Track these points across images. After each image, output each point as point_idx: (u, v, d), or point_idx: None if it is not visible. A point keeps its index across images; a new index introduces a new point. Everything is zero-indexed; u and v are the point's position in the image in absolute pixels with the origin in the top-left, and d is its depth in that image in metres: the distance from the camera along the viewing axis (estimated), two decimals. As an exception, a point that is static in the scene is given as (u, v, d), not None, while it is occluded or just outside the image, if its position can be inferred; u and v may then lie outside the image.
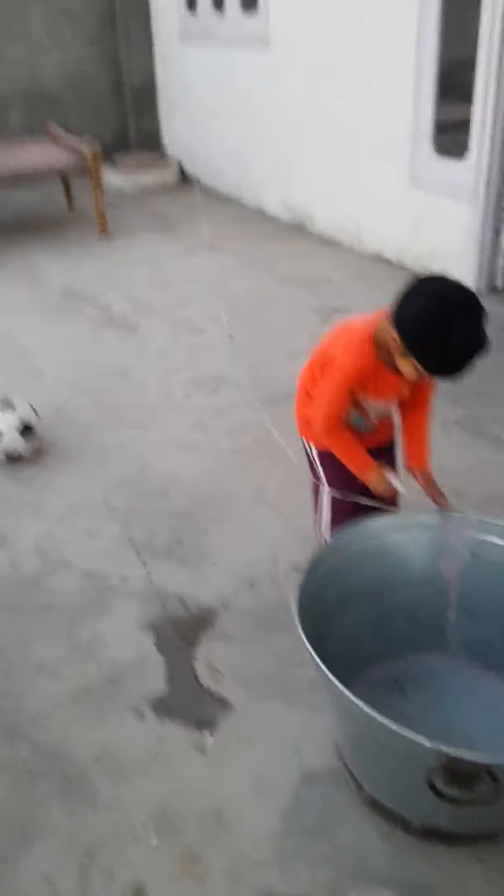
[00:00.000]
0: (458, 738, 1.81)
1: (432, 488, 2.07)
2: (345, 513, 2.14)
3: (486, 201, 4.29)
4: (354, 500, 2.08)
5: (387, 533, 1.97)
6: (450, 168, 4.43)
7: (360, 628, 1.97)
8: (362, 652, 1.99)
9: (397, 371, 1.87)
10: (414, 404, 2.10)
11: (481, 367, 3.90)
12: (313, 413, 2.04)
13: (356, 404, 2.02)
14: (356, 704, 1.47)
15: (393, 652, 2.05)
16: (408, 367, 1.82)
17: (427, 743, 1.39)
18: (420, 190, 4.64)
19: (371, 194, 5.04)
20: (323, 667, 1.53)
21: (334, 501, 2.18)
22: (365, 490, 2.07)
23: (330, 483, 2.17)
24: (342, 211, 5.37)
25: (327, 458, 2.14)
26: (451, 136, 4.58)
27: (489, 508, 2.59)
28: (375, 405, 2.03)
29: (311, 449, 2.20)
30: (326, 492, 2.19)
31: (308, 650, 1.57)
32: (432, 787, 1.45)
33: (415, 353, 1.75)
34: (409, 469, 2.11)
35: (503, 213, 4.35)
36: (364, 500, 2.06)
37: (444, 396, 3.46)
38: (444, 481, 2.83)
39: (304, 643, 1.59)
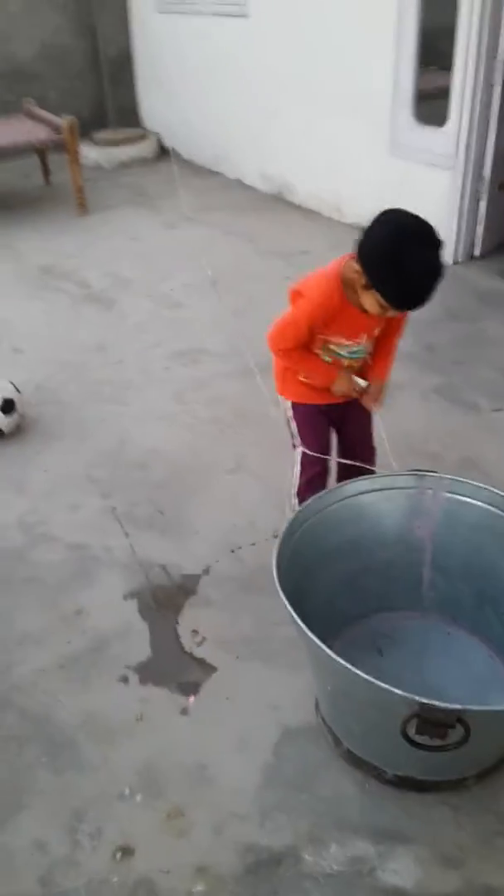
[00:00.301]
0: (431, 690, 1.86)
1: (377, 395, 2.16)
2: (316, 472, 2.23)
3: (466, 169, 4.30)
4: (326, 458, 2.16)
5: (362, 494, 2.01)
6: (430, 136, 4.43)
7: (336, 588, 2.02)
8: (339, 611, 2.05)
9: (364, 310, 1.94)
10: (382, 339, 2.16)
11: (459, 336, 3.94)
12: (270, 335, 2.07)
13: (327, 348, 2.07)
14: (335, 661, 1.52)
15: (368, 611, 2.11)
16: (370, 300, 1.88)
17: (401, 693, 1.45)
18: (400, 158, 4.64)
19: (350, 164, 5.03)
20: (302, 625, 1.57)
21: (306, 461, 2.24)
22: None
23: (303, 440, 2.23)
24: (321, 181, 5.36)
25: (301, 413, 2.20)
26: (431, 105, 4.57)
27: (466, 472, 2.63)
28: (347, 346, 2.07)
29: (285, 403, 2.25)
30: (299, 451, 2.25)
31: (287, 609, 1.62)
32: (406, 736, 1.50)
33: (374, 282, 1.81)
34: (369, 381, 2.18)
35: (482, 181, 4.36)
36: (336, 459, 2.11)
37: (423, 365, 3.53)
38: (423, 447, 2.90)
39: (283, 603, 1.63)
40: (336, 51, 4.88)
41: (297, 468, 2.28)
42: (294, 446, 2.28)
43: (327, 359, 2.10)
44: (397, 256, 1.74)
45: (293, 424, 2.25)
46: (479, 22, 3.92)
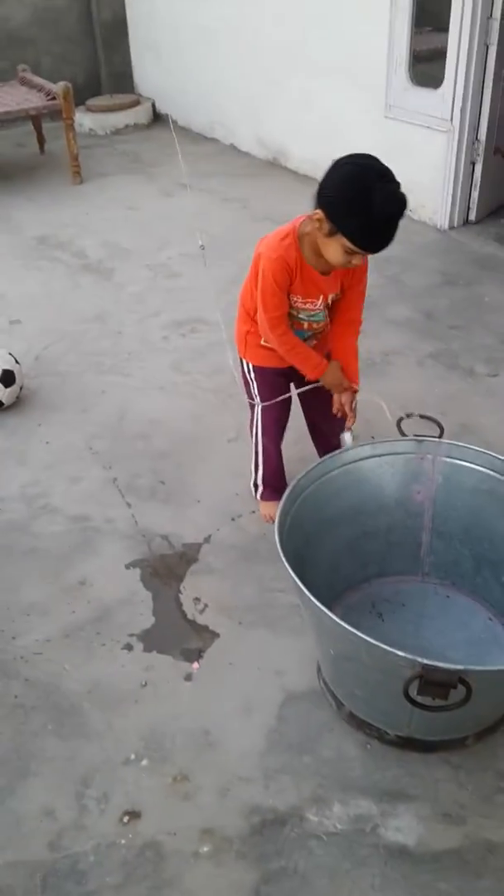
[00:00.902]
0: (431, 653, 1.89)
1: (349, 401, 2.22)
2: (274, 419, 2.32)
3: (461, 132, 4.23)
4: (283, 398, 2.27)
5: (362, 460, 2.02)
6: (425, 98, 4.36)
7: (337, 554, 2.04)
8: (340, 576, 2.07)
9: (323, 273, 1.98)
10: (343, 321, 2.17)
11: (456, 302, 3.91)
12: (259, 320, 2.10)
13: (288, 314, 2.08)
14: (338, 624, 1.54)
15: (369, 576, 2.13)
16: (334, 248, 1.87)
17: (405, 655, 1.47)
18: (395, 121, 4.57)
19: (346, 127, 4.95)
20: (305, 590, 1.59)
21: (266, 413, 2.31)
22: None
23: (262, 398, 2.29)
24: (316, 145, 5.28)
25: (259, 373, 2.25)
26: (427, 67, 4.49)
27: (464, 437, 2.64)
28: (305, 309, 2.08)
29: (246, 366, 2.28)
30: (259, 407, 2.31)
31: (290, 575, 1.63)
32: (408, 697, 1.53)
33: (340, 223, 1.81)
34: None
35: (478, 144, 4.30)
36: (294, 392, 2.25)
37: (420, 331, 3.51)
38: (421, 412, 2.89)
39: (286, 569, 1.64)
40: (331, 13, 4.78)
41: (260, 423, 2.35)
42: (252, 406, 2.34)
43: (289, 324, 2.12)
44: (365, 193, 1.74)
45: (254, 385, 2.30)
46: (475, -21, 3.84)
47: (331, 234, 1.85)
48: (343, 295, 2.12)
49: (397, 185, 1.77)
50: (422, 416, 2.04)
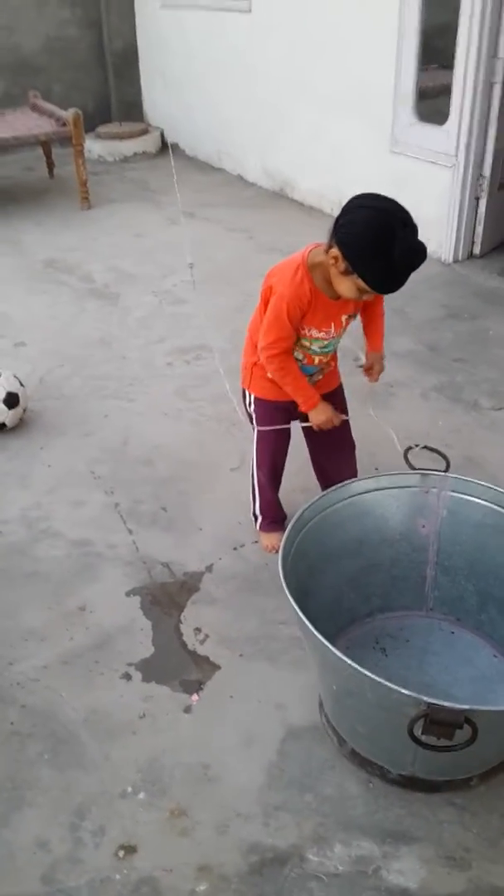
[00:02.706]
0: (435, 690, 1.89)
1: (377, 366, 2.21)
2: (269, 453, 2.33)
3: (466, 168, 4.28)
4: (282, 427, 2.26)
5: (367, 492, 2.01)
6: (430, 134, 4.42)
7: (340, 587, 2.02)
8: (343, 610, 2.05)
9: (335, 297, 1.98)
10: (366, 314, 2.18)
11: (460, 335, 3.94)
12: (259, 344, 2.09)
13: (300, 344, 2.08)
14: (341, 660, 1.52)
15: (372, 610, 2.11)
16: (347, 285, 1.88)
17: (409, 693, 1.44)
18: (400, 156, 4.62)
19: (352, 160, 5.01)
20: (309, 625, 1.57)
21: (261, 447, 2.32)
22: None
23: (259, 433, 2.31)
24: (323, 177, 5.34)
25: (260, 405, 2.25)
26: (431, 103, 4.56)
27: (468, 471, 2.63)
28: (318, 340, 2.08)
29: (249, 397, 2.28)
30: (255, 440, 2.32)
31: (294, 609, 1.61)
32: (413, 736, 1.50)
33: (359, 266, 1.81)
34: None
35: (482, 179, 4.35)
36: (296, 426, 2.24)
37: (424, 364, 3.52)
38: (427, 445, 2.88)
39: (288, 601, 1.62)
40: (338, 47, 4.86)
41: (255, 459, 2.37)
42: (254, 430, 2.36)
43: (298, 356, 2.11)
44: (387, 241, 1.74)
45: (254, 417, 2.30)
46: (479, 20, 3.90)
47: (346, 272, 1.85)
48: (363, 310, 2.14)
49: (416, 231, 1.77)
50: (428, 449, 2.03)
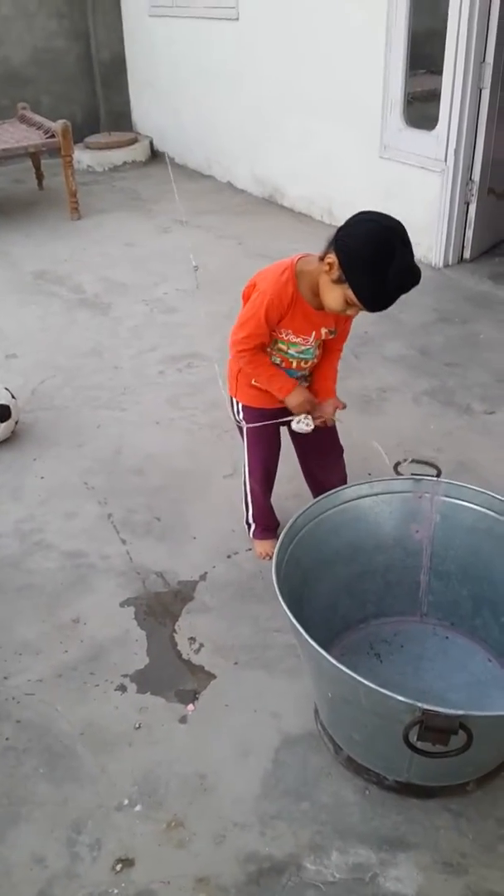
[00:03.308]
0: (431, 695, 1.89)
1: (329, 410, 2.20)
2: (260, 461, 2.33)
3: (455, 173, 4.30)
4: (271, 424, 2.23)
5: (360, 498, 2.01)
6: (420, 140, 4.43)
7: (334, 593, 2.02)
8: (337, 616, 2.04)
9: (317, 308, 1.99)
10: (324, 355, 2.19)
11: (451, 339, 3.95)
12: (231, 339, 2.09)
13: (276, 347, 2.09)
14: (336, 668, 1.51)
15: (366, 616, 2.11)
16: (335, 296, 1.89)
17: (404, 700, 1.44)
18: (390, 162, 4.64)
19: (341, 167, 5.03)
20: (304, 633, 1.56)
21: (252, 455, 2.32)
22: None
23: (250, 444, 2.31)
24: (312, 184, 5.36)
25: (248, 413, 2.25)
26: (420, 108, 4.58)
27: (460, 475, 2.63)
28: (295, 344, 2.08)
29: (236, 405, 2.28)
30: (246, 448, 2.32)
31: (288, 616, 1.61)
32: (408, 743, 1.50)
33: (353, 275, 1.82)
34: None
35: (472, 184, 4.37)
36: (277, 421, 2.21)
37: (416, 368, 3.53)
38: (417, 450, 2.89)
39: (283, 609, 1.62)
40: (326, 54, 4.88)
41: (246, 467, 2.36)
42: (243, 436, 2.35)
43: (276, 359, 2.11)
44: (385, 256, 1.75)
45: (244, 426, 2.29)
46: (467, 26, 3.92)
47: (338, 281, 1.85)
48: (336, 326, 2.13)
49: (413, 255, 1.79)
50: (417, 462, 2.03)
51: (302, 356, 2.12)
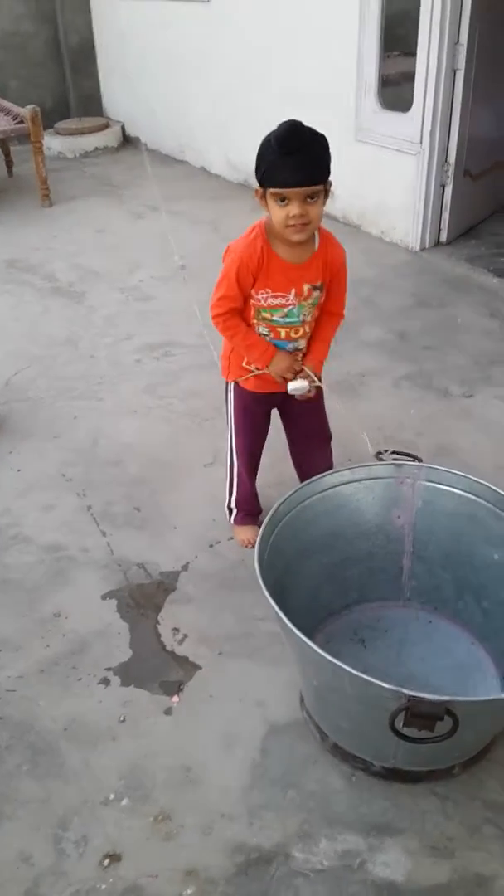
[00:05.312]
0: (416, 680, 1.89)
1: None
2: (246, 445, 2.31)
3: (431, 155, 4.28)
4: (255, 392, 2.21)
5: (341, 485, 1.99)
6: (395, 122, 4.40)
7: (317, 581, 2.01)
8: (320, 604, 2.04)
9: (296, 262, 1.98)
10: (322, 314, 2.15)
11: (429, 323, 3.93)
12: (211, 304, 2.07)
13: (261, 317, 2.05)
14: (321, 655, 1.50)
15: (350, 602, 2.10)
16: (272, 209, 1.88)
17: (390, 687, 1.43)
18: (365, 144, 4.61)
19: (315, 150, 4.98)
20: (288, 622, 1.55)
21: (239, 439, 2.30)
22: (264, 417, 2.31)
23: (236, 426, 2.30)
24: (287, 168, 5.31)
25: (239, 397, 2.23)
26: (395, 90, 4.54)
27: (441, 459, 2.63)
28: (278, 309, 2.04)
29: (226, 386, 2.26)
30: (233, 431, 2.30)
31: (272, 606, 1.59)
32: (395, 729, 1.49)
33: (260, 177, 1.85)
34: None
35: (447, 166, 4.35)
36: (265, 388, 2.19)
37: (394, 352, 3.52)
38: (397, 435, 2.89)
39: (266, 598, 1.61)
40: (299, 36, 4.83)
41: (233, 451, 2.34)
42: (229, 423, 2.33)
43: (264, 330, 2.07)
44: (267, 138, 1.83)
45: (230, 406, 2.27)
46: (440, 7, 3.89)
47: (264, 196, 1.88)
48: (326, 292, 2.09)
49: (295, 124, 1.81)
50: (398, 453, 2.01)
51: (288, 321, 2.06)
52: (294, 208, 1.84)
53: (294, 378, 2.09)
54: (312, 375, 2.10)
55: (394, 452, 2.00)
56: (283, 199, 1.84)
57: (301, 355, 2.14)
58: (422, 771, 1.75)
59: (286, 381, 2.09)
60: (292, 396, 2.13)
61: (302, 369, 2.10)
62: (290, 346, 2.11)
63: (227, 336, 2.10)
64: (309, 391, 2.10)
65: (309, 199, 1.84)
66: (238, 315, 2.06)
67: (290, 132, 1.78)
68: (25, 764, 1.82)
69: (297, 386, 2.08)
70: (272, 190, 1.84)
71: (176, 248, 4.40)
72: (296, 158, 1.80)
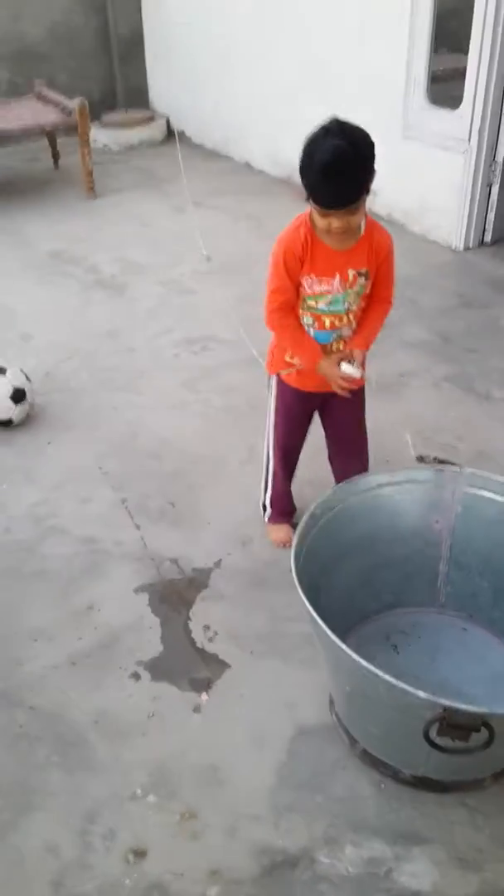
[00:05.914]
0: (449, 689, 1.85)
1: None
2: (284, 443, 2.32)
3: (479, 153, 4.21)
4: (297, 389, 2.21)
5: (380, 487, 1.97)
6: (443, 119, 4.34)
7: (352, 583, 1.99)
8: (354, 606, 2.02)
9: (341, 248, 1.97)
10: (370, 301, 2.13)
11: (472, 324, 3.86)
12: (265, 301, 2.08)
13: (306, 305, 2.04)
14: (354, 660, 1.49)
15: (384, 607, 2.08)
16: (314, 215, 1.90)
17: (426, 696, 1.41)
18: (413, 141, 4.54)
19: (361, 146, 4.94)
20: (321, 623, 1.54)
21: (278, 437, 2.31)
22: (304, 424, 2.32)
23: (276, 423, 2.30)
24: (332, 164, 5.27)
25: (282, 392, 2.24)
26: (443, 87, 4.47)
27: (481, 464, 2.58)
28: (323, 296, 2.02)
29: (269, 380, 2.27)
30: (272, 428, 2.31)
31: (307, 607, 1.58)
32: (429, 739, 1.47)
33: (303, 184, 1.85)
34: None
35: (495, 165, 4.28)
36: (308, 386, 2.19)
37: (436, 353, 3.47)
38: (436, 437, 2.85)
39: (300, 599, 1.59)
40: (349, 31, 4.77)
41: (271, 449, 2.35)
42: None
43: (308, 320, 2.06)
44: (310, 149, 1.81)
45: (272, 403, 2.27)
46: (496, 4, 3.82)
47: (307, 200, 1.88)
48: (373, 279, 2.07)
49: (340, 137, 1.79)
50: (439, 461, 1.99)
51: (332, 310, 2.04)
52: (335, 221, 1.87)
53: (349, 362, 2.07)
54: (359, 363, 2.09)
55: (435, 459, 1.97)
56: (324, 213, 1.86)
57: (344, 343, 2.12)
58: (452, 781, 1.72)
59: (340, 361, 2.07)
60: (334, 397, 2.12)
61: (351, 353, 2.09)
62: (335, 334, 2.09)
63: (276, 332, 2.11)
64: (361, 377, 2.08)
65: (351, 207, 1.86)
66: (292, 312, 2.06)
67: (333, 157, 1.77)
68: (55, 755, 1.83)
69: (349, 370, 2.06)
70: (314, 205, 1.86)
71: (203, 241, 4.39)
72: (337, 183, 1.81)
